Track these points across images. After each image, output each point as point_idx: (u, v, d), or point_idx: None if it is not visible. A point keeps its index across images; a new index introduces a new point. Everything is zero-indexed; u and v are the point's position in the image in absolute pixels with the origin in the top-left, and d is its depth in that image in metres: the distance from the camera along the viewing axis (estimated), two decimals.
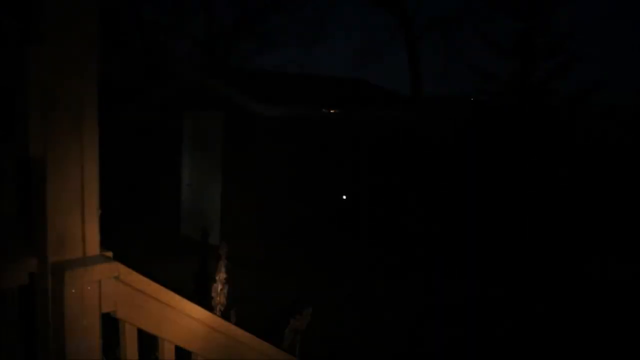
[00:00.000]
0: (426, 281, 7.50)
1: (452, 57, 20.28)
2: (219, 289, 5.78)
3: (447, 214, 10.15)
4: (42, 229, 1.30)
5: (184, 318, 1.66)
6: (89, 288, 1.33)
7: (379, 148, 9.84)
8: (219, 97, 8.27)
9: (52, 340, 1.33)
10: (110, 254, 1.43)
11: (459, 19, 18.14)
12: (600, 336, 5.94)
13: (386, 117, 10.22)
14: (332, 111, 8.84)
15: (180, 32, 17.32)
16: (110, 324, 1.47)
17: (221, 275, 5.79)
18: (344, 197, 9.24)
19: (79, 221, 1.34)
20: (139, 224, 9.04)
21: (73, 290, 1.30)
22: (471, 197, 10.58)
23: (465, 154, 12.19)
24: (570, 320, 6.36)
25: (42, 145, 1.28)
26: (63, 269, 1.29)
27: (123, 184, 9.69)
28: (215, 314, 1.96)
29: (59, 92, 1.29)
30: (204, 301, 5.76)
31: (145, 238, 8.63)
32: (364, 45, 20.31)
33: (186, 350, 1.74)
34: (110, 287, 1.39)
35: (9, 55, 1.31)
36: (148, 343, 1.65)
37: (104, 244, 1.43)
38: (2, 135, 1.41)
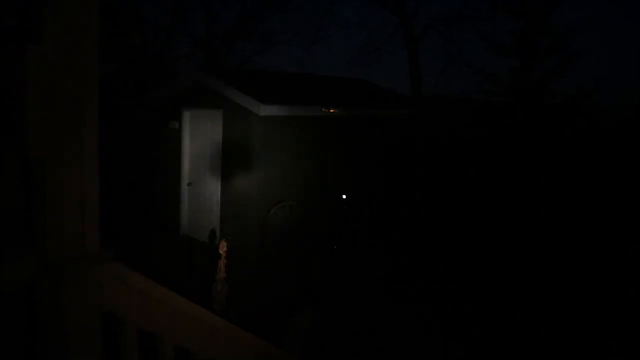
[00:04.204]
0: (428, 280, 7.50)
1: (452, 57, 20.26)
2: (218, 288, 5.79)
3: (446, 214, 10.15)
4: (42, 229, 1.31)
5: (184, 317, 1.66)
6: (89, 288, 1.33)
7: (378, 147, 9.84)
8: (219, 96, 8.27)
9: (52, 340, 1.33)
10: (110, 253, 1.43)
11: (459, 18, 18.14)
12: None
13: (386, 117, 10.22)
14: (331, 111, 8.84)
15: (181, 31, 17.30)
16: (110, 324, 1.47)
17: (221, 275, 5.80)
18: (344, 196, 9.24)
19: (79, 221, 1.35)
20: (138, 224, 9.04)
21: (73, 290, 1.30)
22: (471, 197, 10.58)
23: (465, 154, 12.19)
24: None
25: (42, 145, 1.28)
26: (63, 268, 1.29)
27: (123, 183, 9.70)
28: (215, 312, 1.97)
29: (59, 92, 1.29)
30: (204, 300, 5.75)
31: (145, 237, 8.63)
32: (364, 44, 20.26)
33: (186, 350, 1.74)
34: (110, 287, 1.39)
35: (9, 55, 1.31)
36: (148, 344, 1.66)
37: (104, 243, 1.43)
38: (1, 136, 1.41)
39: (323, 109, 8.77)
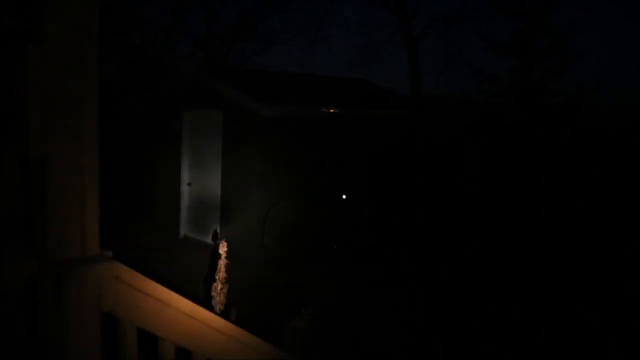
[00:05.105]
0: (426, 277, 7.50)
1: (452, 57, 20.22)
2: (218, 288, 5.79)
3: (446, 214, 10.15)
4: (42, 229, 1.31)
5: (184, 317, 1.66)
6: (88, 288, 1.33)
7: (378, 147, 9.84)
8: (219, 96, 8.27)
9: (52, 340, 1.33)
10: (110, 253, 1.43)
11: (459, 18, 18.13)
12: None
13: (386, 117, 10.22)
14: (331, 111, 8.84)
15: (181, 31, 17.30)
16: (110, 324, 1.47)
17: (221, 275, 5.80)
18: (344, 196, 9.24)
19: (78, 221, 1.35)
20: (138, 224, 9.04)
21: (73, 290, 1.30)
22: (471, 196, 10.57)
23: (465, 154, 12.19)
24: None
25: (42, 145, 1.28)
26: (63, 268, 1.29)
27: (123, 183, 9.69)
28: (215, 312, 1.97)
29: (59, 92, 1.29)
30: (205, 300, 5.76)
31: (145, 237, 8.63)
32: (364, 44, 20.21)
33: (186, 350, 1.74)
34: (110, 287, 1.39)
35: (9, 55, 1.31)
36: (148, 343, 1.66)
37: (104, 243, 1.43)
38: (1, 137, 1.41)
39: (323, 109, 8.77)
